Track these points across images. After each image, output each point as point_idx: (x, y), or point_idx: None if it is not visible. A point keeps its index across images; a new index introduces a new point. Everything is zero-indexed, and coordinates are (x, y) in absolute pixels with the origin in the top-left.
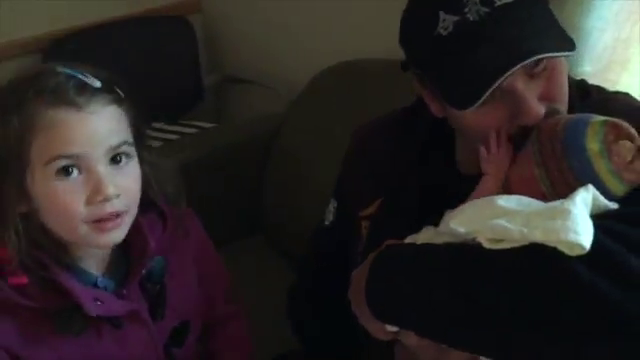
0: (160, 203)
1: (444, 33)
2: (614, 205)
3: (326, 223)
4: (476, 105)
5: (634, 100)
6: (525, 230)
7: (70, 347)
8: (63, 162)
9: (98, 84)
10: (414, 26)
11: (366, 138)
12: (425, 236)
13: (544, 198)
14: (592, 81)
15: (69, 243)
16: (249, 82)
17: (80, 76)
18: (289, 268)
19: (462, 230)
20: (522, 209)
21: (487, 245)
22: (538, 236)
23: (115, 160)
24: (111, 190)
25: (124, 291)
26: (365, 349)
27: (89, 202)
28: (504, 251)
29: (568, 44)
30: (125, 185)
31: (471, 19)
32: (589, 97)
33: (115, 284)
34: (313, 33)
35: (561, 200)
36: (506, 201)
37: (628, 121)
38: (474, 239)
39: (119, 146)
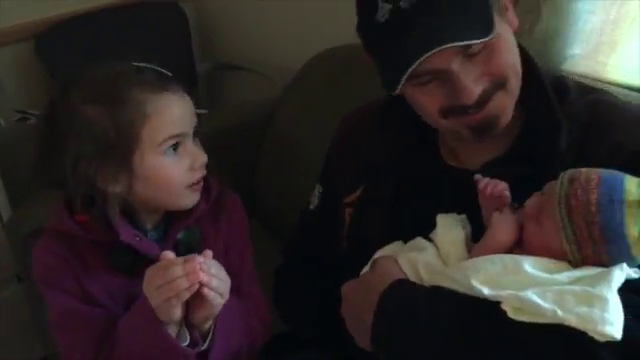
0: (212, 178)
1: (381, 20)
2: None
3: (311, 207)
4: (397, 89)
5: (619, 101)
6: (559, 312)
7: (119, 284)
8: (172, 141)
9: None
10: (360, 13)
11: (352, 125)
12: (425, 263)
13: (567, 261)
14: (582, 63)
15: (136, 207)
16: (242, 69)
17: (160, 69)
18: None
19: (486, 291)
20: (551, 278)
21: (512, 315)
22: (573, 322)
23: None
24: (206, 158)
25: (163, 245)
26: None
27: (191, 168)
28: (531, 325)
29: (483, 31)
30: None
31: (402, 7)
32: (568, 95)
33: (159, 238)
34: (305, 19)
35: (596, 274)
36: (533, 267)
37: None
38: (498, 303)
39: (196, 126)
